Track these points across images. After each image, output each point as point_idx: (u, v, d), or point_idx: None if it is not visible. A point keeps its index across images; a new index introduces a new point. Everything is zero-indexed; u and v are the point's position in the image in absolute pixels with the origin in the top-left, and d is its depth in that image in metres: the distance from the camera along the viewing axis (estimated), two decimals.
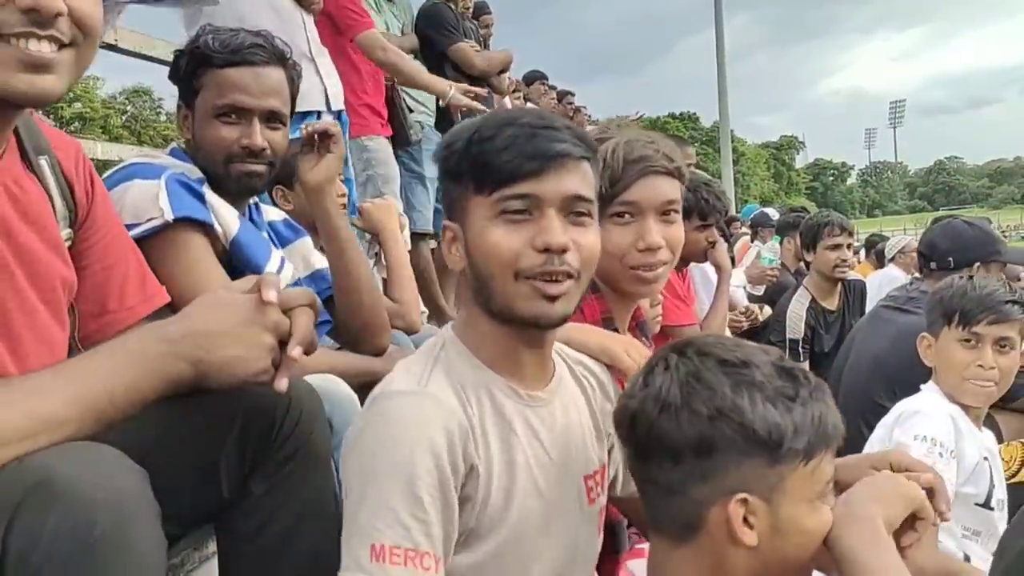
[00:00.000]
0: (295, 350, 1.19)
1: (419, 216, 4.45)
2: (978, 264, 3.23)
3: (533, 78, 8.40)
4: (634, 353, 1.49)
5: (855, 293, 4.59)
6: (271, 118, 1.89)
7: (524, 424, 1.26)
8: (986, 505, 2.21)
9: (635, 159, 1.67)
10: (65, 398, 1.00)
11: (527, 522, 1.24)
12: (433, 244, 4.70)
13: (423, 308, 4.12)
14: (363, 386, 1.90)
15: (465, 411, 1.19)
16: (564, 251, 1.18)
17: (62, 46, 1.08)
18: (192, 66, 1.86)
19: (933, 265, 3.35)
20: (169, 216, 1.69)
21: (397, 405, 1.16)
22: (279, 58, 1.90)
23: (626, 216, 1.69)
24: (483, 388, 1.23)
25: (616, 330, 1.73)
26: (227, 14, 2.89)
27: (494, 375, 1.25)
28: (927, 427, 2.15)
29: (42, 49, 1.06)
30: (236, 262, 1.84)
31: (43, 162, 1.27)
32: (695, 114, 60.03)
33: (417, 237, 4.35)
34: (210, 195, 1.82)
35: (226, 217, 1.83)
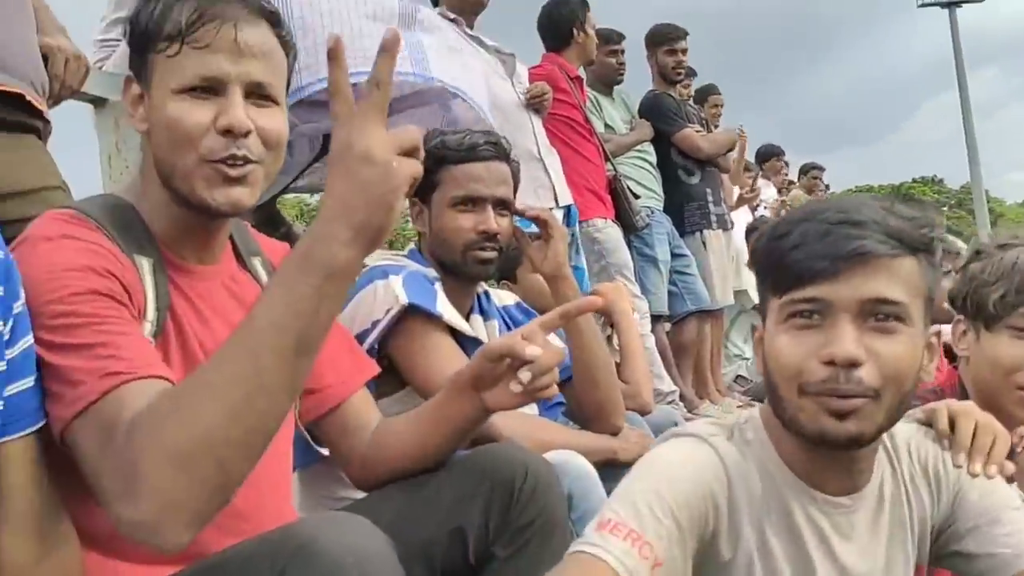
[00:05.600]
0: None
1: (654, 299, 4.49)
2: None
3: (769, 153, 8.23)
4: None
5: None
6: (500, 205, 2.04)
7: (812, 529, 1.17)
8: None
9: None
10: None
11: None
12: (668, 327, 4.72)
13: (671, 388, 4.15)
14: (602, 464, 1.96)
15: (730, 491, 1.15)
16: (854, 365, 1.05)
17: (248, 161, 1.19)
18: (430, 164, 2.00)
19: None
20: (404, 300, 1.84)
21: (677, 442, 1.17)
22: (504, 154, 2.07)
23: None
24: (768, 479, 1.17)
25: None
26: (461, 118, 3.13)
27: (790, 475, 1.17)
28: None
29: (237, 161, 1.18)
30: None
31: (256, 262, 1.40)
32: (939, 177, 56.14)
33: (653, 320, 4.39)
34: (442, 299, 1.96)
35: (455, 321, 1.96)
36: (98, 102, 2.21)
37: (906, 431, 1.27)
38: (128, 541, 0.95)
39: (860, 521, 1.19)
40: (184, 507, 0.91)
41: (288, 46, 1.27)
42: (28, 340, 1.02)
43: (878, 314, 1.07)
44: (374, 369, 1.58)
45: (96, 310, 1.04)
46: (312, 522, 1.03)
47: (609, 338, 2.93)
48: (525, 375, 1.30)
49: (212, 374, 0.96)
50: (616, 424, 2.13)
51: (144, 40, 1.21)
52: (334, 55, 0.99)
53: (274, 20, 1.25)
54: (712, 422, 1.22)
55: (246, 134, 1.18)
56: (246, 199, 1.21)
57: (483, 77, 3.01)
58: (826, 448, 1.11)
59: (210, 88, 1.18)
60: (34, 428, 1.01)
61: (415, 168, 1.00)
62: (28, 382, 1.01)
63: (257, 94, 1.21)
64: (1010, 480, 1.25)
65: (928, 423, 1.30)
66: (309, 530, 0.98)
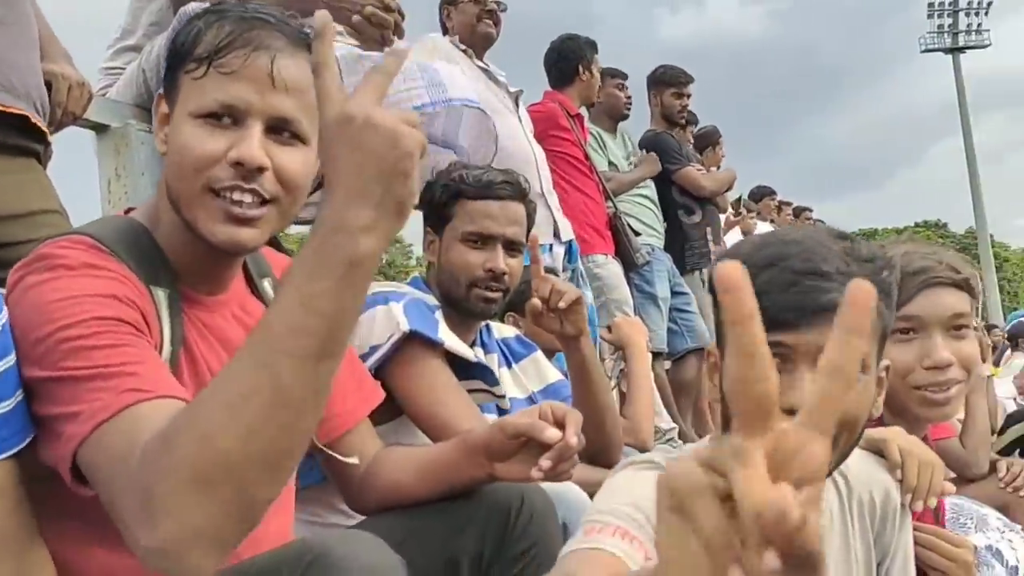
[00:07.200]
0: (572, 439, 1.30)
1: (653, 336, 4.47)
2: None
3: (762, 194, 8.27)
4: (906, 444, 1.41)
5: None
6: (511, 246, 2.04)
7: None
8: None
9: (915, 271, 1.62)
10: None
11: None
12: (668, 364, 4.71)
13: (671, 426, 4.13)
14: (592, 494, 1.95)
15: None
16: None
17: (264, 201, 1.14)
18: (446, 196, 2.05)
19: None
20: (405, 327, 1.82)
21: (631, 469, 1.18)
22: (521, 194, 2.08)
23: (909, 332, 1.62)
24: None
25: None
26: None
27: None
28: None
29: (244, 200, 1.12)
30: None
31: (266, 284, 1.37)
32: (943, 221, 56.50)
33: (652, 357, 4.37)
34: (443, 327, 1.94)
35: (457, 348, 1.94)
36: (100, 128, 2.22)
37: (858, 460, 1.31)
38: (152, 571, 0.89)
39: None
40: (205, 532, 0.84)
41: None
42: (9, 361, 1.00)
43: None
44: (380, 395, 1.57)
45: (118, 335, 1.01)
46: (326, 536, 1.02)
47: (623, 371, 2.94)
48: (546, 463, 1.30)
49: (224, 388, 0.87)
50: (613, 460, 2.11)
51: (177, 58, 1.18)
52: (322, 29, 0.92)
53: None
54: (665, 451, 1.23)
55: (259, 170, 1.12)
56: (251, 241, 1.16)
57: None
58: None
59: (229, 116, 1.13)
60: (13, 452, 0.99)
61: (422, 136, 0.90)
62: (9, 404, 1.00)
63: (281, 130, 1.16)
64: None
65: (874, 451, 1.38)
66: (324, 544, 0.97)
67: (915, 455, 1.37)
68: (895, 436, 1.41)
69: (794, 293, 1.07)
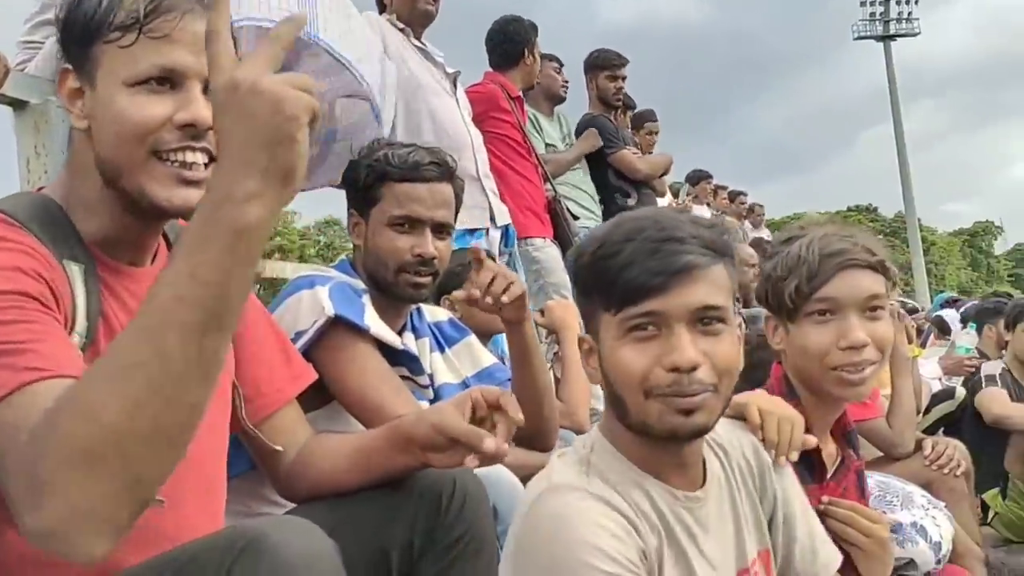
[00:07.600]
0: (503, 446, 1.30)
1: None
2: None
3: (698, 177, 8.36)
4: (767, 405, 1.46)
5: None
6: (440, 229, 2.00)
7: (681, 526, 1.24)
8: None
9: (832, 253, 1.64)
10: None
11: None
12: None
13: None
14: (526, 477, 1.94)
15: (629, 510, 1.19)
16: (694, 368, 1.16)
17: (210, 161, 1.15)
18: (372, 178, 1.99)
19: None
20: (330, 312, 1.79)
21: (562, 503, 1.18)
22: (449, 175, 2.03)
23: (826, 314, 1.65)
24: (640, 490, 1.23)
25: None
26: (402, 128, 3.08)
27: (652, 480, 1.24)
28: None
29: (196, 160, 1.14)
30: None
31: None
32: (873, 206, 57.92)
33: None
34: (370, 312, 1.90)
35: (382, 334, 1.91)
36: (18, 104, 2.13)
37: (726, 428, 1.39)
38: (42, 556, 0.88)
39: (712, 513, 1.28)
40: (93, 512, 0.82)
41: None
42: None
43: (705, 319, 1.19)
44: (311, 375, 1.55)
45: (23, 310, 0.98)
46: (260, 522, 1.00)
47: (556, 354, 2.94)
48: (474, 462, 1.31)
49: (110, 361, 0.85)
50: (550, 444, 2.11)
51: (89, 30, 1.15)
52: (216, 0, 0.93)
53: None
54: (570, 464, 1.25)
55: (207, 130, 1.13)
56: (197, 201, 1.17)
57: (379, 63, 2.80)
58: (673, 443, 1.22)
59: (167, 80, 1.14)
60: None
61: (311, 101, 0.88)
62: None
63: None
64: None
65: (738, 417, 1.45)
66: (257, 529, 0.96)
67: (775, 413, 1.45)
68: (755, 399, 1.48)
69: (657, 259, 1.17)
